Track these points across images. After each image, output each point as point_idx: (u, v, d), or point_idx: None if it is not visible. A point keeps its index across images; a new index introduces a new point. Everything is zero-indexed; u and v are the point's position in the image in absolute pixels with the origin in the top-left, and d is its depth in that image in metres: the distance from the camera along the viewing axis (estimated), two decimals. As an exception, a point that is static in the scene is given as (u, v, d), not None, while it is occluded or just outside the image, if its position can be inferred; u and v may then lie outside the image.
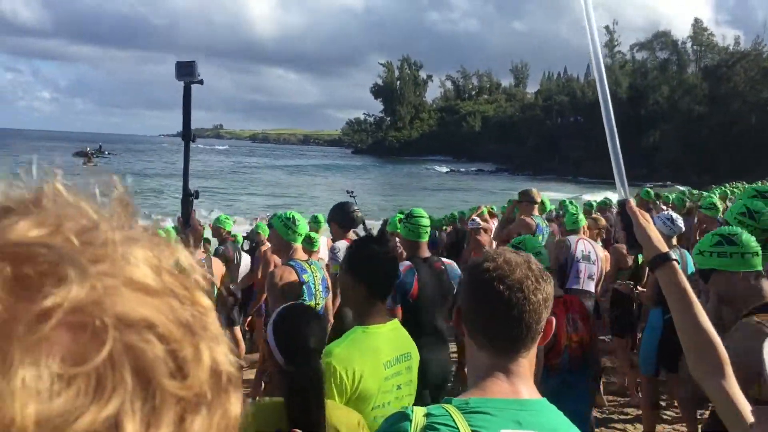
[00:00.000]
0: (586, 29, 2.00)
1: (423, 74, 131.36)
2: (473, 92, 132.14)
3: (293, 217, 4.17)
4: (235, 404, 0.36)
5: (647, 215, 1.91)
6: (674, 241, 5.31)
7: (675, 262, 1.77)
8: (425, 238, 4.02)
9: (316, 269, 4.21)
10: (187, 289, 0.36)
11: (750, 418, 1.50)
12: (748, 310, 2.56)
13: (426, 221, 4.03)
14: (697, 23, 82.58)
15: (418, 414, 1.39)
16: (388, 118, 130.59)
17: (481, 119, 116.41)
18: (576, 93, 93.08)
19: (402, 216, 4.47)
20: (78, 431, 0.28)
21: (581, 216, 6.38)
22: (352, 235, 5.34)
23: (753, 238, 2.70)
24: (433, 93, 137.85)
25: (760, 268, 2.64)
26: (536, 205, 6.61)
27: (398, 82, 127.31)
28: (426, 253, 3.97)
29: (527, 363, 1.51)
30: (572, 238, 5.86)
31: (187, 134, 2.91)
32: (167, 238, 0.38)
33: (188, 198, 2.91)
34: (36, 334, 0.28)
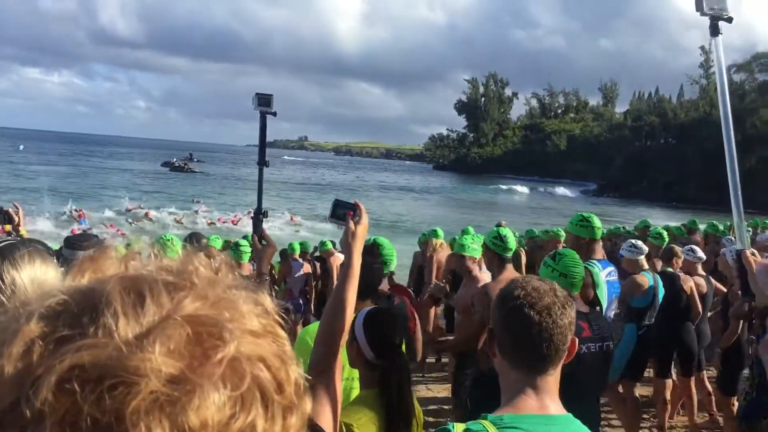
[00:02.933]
0: (716, 72, 2.06)
1: (508, 91, 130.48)
2: (559, 110, 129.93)
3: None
4: (308, 404, 0.54)
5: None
6: (644, 263, 6.11)
7: None
8: None
9: None
10: (273, 326, 0.55)
11: None
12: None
13: None
14: (802, 44, 78.44)
15: (458, 429, 1.54)
16: (471, 135, 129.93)
17: (566, 138, 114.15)
18: (668, 114, 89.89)
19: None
20: (236, 427, 0.46)
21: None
22: None
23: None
24: (517, 111, 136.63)
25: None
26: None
27: (482, 99, 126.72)
28: None
29: (554, 380, 1.66)
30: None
31: (262, 159, 3.12)
32: (257, 289, 0.57)
33: (258, 216, 3.13)
34: (215, 375, 0.46)
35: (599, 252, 4.66)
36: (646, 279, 5.87)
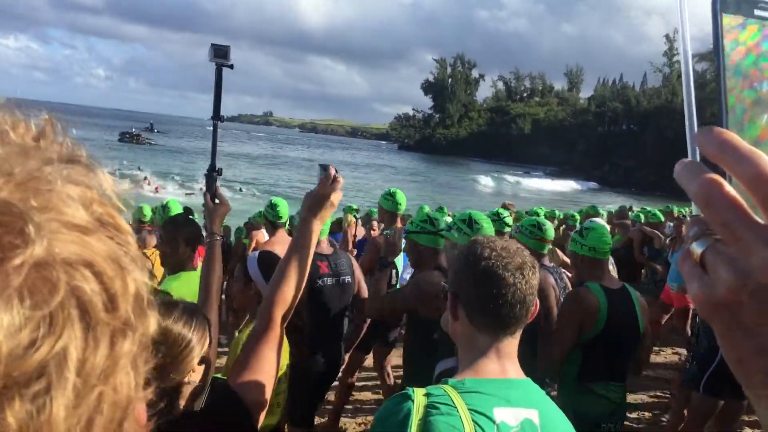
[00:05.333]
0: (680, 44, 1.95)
1: (475, 73, 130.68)
2: (525, 94, 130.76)
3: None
4: (153, 323, 0.43)
5: None
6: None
7: None
8: None
9: None
10: (112, 216, 0.41)
11: None
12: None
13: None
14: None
15: (419, 394, 1.51)
16: (437, 115, 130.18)
17: (531, 122, 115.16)
18: (630, 101, 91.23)
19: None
20: (37, 359, 0.34)
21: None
22: None
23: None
24: (483, 93, 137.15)
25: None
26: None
27: (450, 80, 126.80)
28: None
29: (516, 342, 1.63)
30: None
31: (216, 114, 2.97)
32: (92, 164, 0.43)
33: (212, 173, 2.99)
34: (9, 288, 0.34)
35: (399, 223, 5.60)
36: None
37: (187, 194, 28.40)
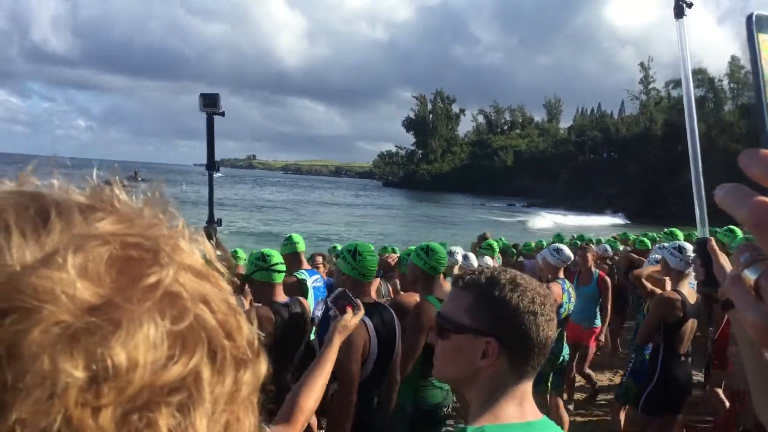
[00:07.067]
0: (682, 76, 2.01)
1: (455, 108, 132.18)
2: (506, 127, 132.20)
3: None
4: (264, 365, 0.45)
5: (724, 255, 1.96)
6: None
7: None
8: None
9: None
10: (214, 276, 0.45)
11: None
12: None
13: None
14: (734, 61, 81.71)
15: None
16: (420, 151, 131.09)
17: (513, 154, 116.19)
18: (610, 129, 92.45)
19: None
20: (176, 372, 0.37)
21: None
22: None
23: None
24: (465, 127, 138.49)
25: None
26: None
27: (431, 116, 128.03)
28: None
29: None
30: None
31: (211, 163, 2.98)
32: (194, 232, 0.47)
33: (211, 224, 2.98)
34: (149, 301, 0.37)
35: (305, 263, 6.05)
36: None
37: None
